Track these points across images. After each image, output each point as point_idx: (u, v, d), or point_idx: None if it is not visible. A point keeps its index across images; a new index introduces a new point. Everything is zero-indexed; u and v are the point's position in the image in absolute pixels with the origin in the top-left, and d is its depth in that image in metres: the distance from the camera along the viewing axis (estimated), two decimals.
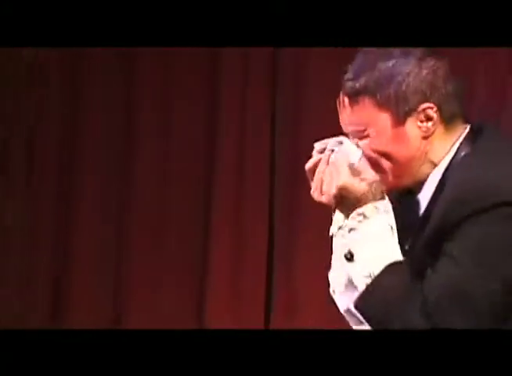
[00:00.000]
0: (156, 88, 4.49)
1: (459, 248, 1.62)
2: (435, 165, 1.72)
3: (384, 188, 1.70)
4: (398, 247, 1.68)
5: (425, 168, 1.72)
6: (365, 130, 1.70)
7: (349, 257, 1.69)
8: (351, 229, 1.69)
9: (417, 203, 1.74)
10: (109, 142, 4.48)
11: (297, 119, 4.38)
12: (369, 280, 1.66)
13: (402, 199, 1.76)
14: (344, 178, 1.68)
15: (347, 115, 1.72)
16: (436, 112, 1.70)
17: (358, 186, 1.68)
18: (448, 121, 1.72)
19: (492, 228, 1.61)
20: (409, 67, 1.69)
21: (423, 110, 1.69)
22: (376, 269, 1.66)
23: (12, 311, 4.35)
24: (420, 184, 1.73)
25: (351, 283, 1.70)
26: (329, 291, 1.78)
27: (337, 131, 1.77)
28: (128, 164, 4.51)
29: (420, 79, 1.69)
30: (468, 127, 1.73)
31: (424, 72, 1.69)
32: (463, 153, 1.70)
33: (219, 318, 4.41)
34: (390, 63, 1.69)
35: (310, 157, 1.77)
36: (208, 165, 4.50)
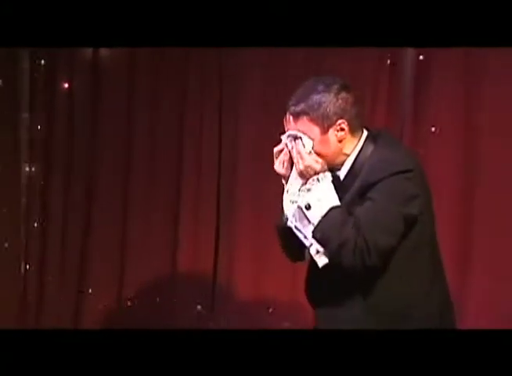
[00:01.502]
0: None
1: (376, 195, 2.75)
2: (347, 155, 2.87)
3: (324, 164, 2.84)
4: (336, 197, 2.80)
5: (341, 157, 2.87)
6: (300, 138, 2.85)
7: (308, 207, 2.79)
8: (308, 190, 2.82)
9: (338, 176, 2.88)
10: None
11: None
12: (320, 218, 2.76)
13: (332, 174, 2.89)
14: (307, 160, 2.81)
15: (291, 127, 2.84)
16: (347, 126, 2.83)
17: (315, 165, 2.82)
18: (353, 130, 2.86)
19: (395, 184, 2.75)
20: (330, 98, 2.80)
21: (339, 124, 2.82)
22: (325, 211, 2.77)
23: None
24: (340, 165, 2.87)
25: (308, 222, 2.79)
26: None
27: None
28: None
29: (337, 105, 2.81)
30: (366, 132, 2.89)
31: (340, 101, 2.81)
32: (370, 147, 2.84)
33: None
34: (318, 95, 2.80)
35: None
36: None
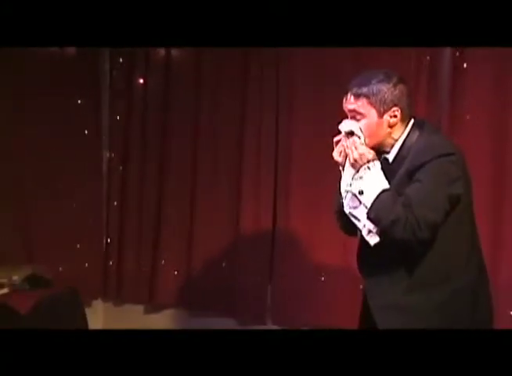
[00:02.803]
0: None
1: (423, 176, 2.94)
2: (396, 140, 3.08)
3: (375, 154, 3.04)
4: (386, 181, 2.99)
5: (390, 141, 3.08)
6: (358, 115, 3.05)
7: (361, 192, 2.99)
8: (360, 177, 3.02)
9: (387, 159, 3.09)
10: None
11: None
12: (372, 201, 2.96)
13: (381, 157, 3.09)
14: (361, 149, 3.02)
15: (351, 105, 3.05)
16: (400, 113, 3.06)
17: (367, 153, 3.01)
18: (404, 118, 3.08)
19: (440, 166, 2.94)
20: (389, 87, 3.04)
21: (393, 111, 3.05)
22: (376, 193, 2.96)
23: None
24: (389, 148, 3.09)
25: (361, 205, 3.01)
26: None
27: None
28: None
29: (394, 94, 3.04)
30: (412, 120, 3.10)
31: (397, 91, 3.04)
32: (416, 133, 3.06)
33: None
34: (379, 83, 3.03)
35: None
36: None
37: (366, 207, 2.99)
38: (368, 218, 2.99)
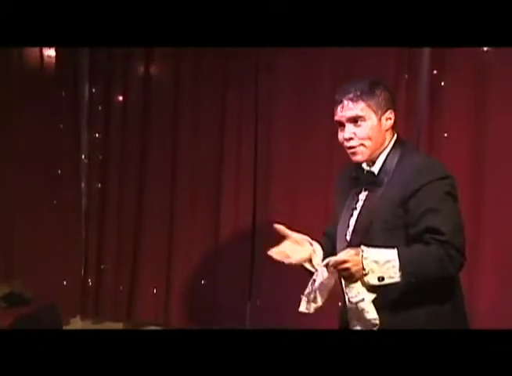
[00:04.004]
0: None
1: (431, 203, 2.85)
2: (381, 152, 3.00)
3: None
4: (386, 250, 2.84)
5: (380, 149, 3.00)
6: (359, 118, 2.95)
7: (381, 279, 2.83)
8: (370, 270, 2.83)
9: (373, 172, 3.01)
10: None
11: None
12: (398, 270, 2.83)
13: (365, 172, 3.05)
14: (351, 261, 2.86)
15: (350, 111, 2.95)
16: (394, 116, 3.01)
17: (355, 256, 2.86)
18: (394, 124, 3.02)
19: (436, 190, 2.87)
20: (380, 90, 2.98)
21: (389, 113, 3.00)
22: (395, 263, 2.84)
23: None
24: (374, 159, 3.00)
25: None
26: None
27: None
28: None
29: (386, 97, 2.98)
30: (396, 134, 3.05)
31: (388, 94, 3.00)
32: (398, 150, 2.99)
33: None
34: (370, 87, 2.96)
35: None
36: None
37: (397, 278, 2.83)
38: (406, 280, 2.85)
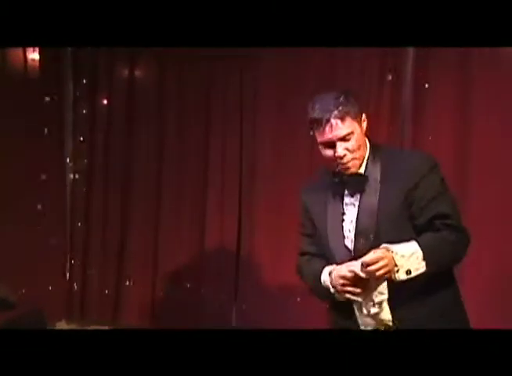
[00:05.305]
0: None
1: (434, 191, 2.93)
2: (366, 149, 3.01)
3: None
4: (406, 243, 2.89)
5: (366, 151, 3.01)
6: (349, 134, 2.93)
7: (409, 272, 2.86)
8: (400, 265, 2.87)
9: (360, 173, 2.99)
10: None
11: None
12: (423, 260, 2.88)
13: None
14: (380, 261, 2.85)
15: (341, 130, 2.92)
16: (366, 118, 3.00)
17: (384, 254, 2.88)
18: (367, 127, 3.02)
19: (435, 178, 2.94)
20: (352, 99, 2.95)
21: (364, 116, 2.99)
22: (418, 254, 2.88)
23: None
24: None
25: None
26: None
27: None
28: None
29: (355, 104, 2.95)
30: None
31: (354, 100, 2.95)
32: (377, 147, 3.02)
33: None
34: (345, 98, 2.92)
35: None
36: None
37: (423, 269, 2.89)
38: (429, 271, 2.91)
